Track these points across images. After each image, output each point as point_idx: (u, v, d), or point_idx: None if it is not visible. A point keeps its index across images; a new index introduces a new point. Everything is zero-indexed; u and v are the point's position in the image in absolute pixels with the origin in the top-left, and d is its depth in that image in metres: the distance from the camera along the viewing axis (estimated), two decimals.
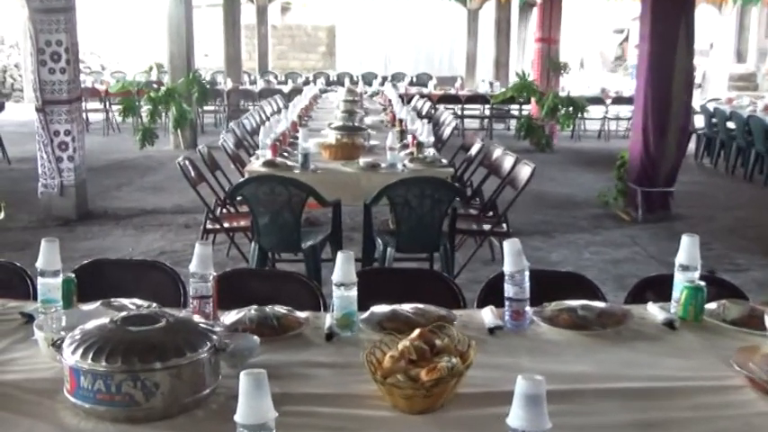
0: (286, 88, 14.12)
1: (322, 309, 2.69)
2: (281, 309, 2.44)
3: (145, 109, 12.14)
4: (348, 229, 6.69)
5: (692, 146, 9.99)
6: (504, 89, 13.43)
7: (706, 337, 2.35)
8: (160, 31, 11.98)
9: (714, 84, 18.48)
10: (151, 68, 14.77)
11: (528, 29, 17.50)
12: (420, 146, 5.60)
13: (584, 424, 1.83)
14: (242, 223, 5.29)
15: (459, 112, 13.51)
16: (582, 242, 6.67)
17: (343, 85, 14.07)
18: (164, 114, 12.21)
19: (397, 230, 4.63)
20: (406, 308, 2.44)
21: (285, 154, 5.56)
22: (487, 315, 2.47)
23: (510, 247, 2.40)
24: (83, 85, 14.12)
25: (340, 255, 2.33)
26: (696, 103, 9.65)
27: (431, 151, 5.68)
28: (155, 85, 12.54)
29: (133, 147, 11.38)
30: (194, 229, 6.76)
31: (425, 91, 13.88)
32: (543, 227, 7.18)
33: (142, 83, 13.17)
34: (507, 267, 2.39)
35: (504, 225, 5.26)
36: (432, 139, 5.89)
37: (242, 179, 4.80)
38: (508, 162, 5.59)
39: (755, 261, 6.11)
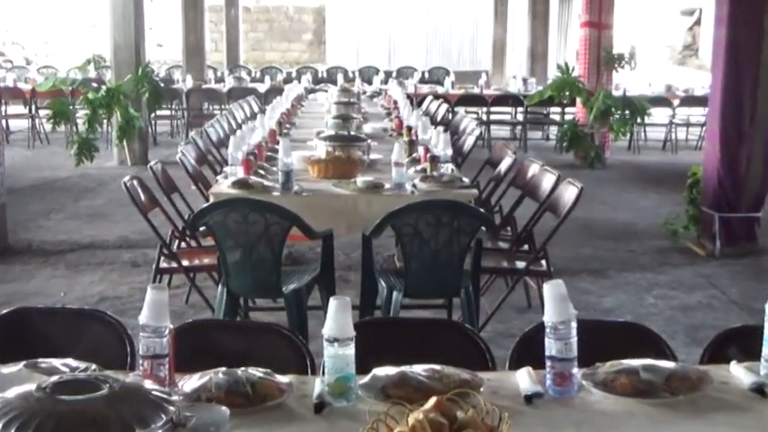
0: (262, 87, 14.23)
1: (309, 371, 2.69)
2: (256, 371, 2.43)
3: (81, 114, 12.22)
4: (343, 268, 6.69)
5: None
6: (541, 87, 13.50)
7: None
8: (101, 16, 12.12)
9: None
10: (89, 62, 14.90)
11: (571, 11, 17.63)
12: (434, 161, 5.62)
13: None
14: (206, 261, 5.29)
15: (485, 118, 13.58)
16: (644, 283, 6.67)
17: (335, 83, 14.15)
18: (105, 121, 12.27)
19: (405, 269, 4.63)
20: (418, 370, 2.44)
21: (261, 172, 5.58)
22: (523, 379, 2.47)
23: (552, 290, 2.39)
24: (1, 84, 14.33)
25: (333, 301, 2.33)
26: None
27: (448, 167, 5.70)
28: (94, 84, 12.64)
29: (66, 162, 11.44)
30: (144, 269, 6.76)
31: (441, 90, 13.98)
32: (593, 264, 7.18)
33: (78, 81, 13.29)
34: (548, 317, 2.38)
35: (544, 262, 5.26)
36: (449, 151, 5.91)
37: (206, 204, 4.81)
38: (548, 181, 5.60)
39: None
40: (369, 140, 6.36)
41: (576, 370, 2.40)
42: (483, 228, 4.61)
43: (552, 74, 14.19)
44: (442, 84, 14.86)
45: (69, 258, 7.24)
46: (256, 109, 10.96)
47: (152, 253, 6.20)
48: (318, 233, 4.69)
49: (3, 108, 13.79)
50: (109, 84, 11.85)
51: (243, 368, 2.43)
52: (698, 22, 26.90)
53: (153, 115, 13.65)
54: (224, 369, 2.42)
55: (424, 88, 14.20)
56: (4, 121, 13.44)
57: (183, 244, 5.61)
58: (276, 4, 25.12)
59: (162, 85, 12.73)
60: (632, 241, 7.95)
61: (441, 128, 6.76)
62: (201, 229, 4.86)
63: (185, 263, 5.28)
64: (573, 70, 12.10)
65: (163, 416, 1.90)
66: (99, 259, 7.23)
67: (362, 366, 2.40)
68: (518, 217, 5.98)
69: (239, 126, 8.34)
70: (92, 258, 7.26)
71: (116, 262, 7.14)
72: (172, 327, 2.39)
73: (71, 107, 12.47)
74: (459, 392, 2.12)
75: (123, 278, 6.69)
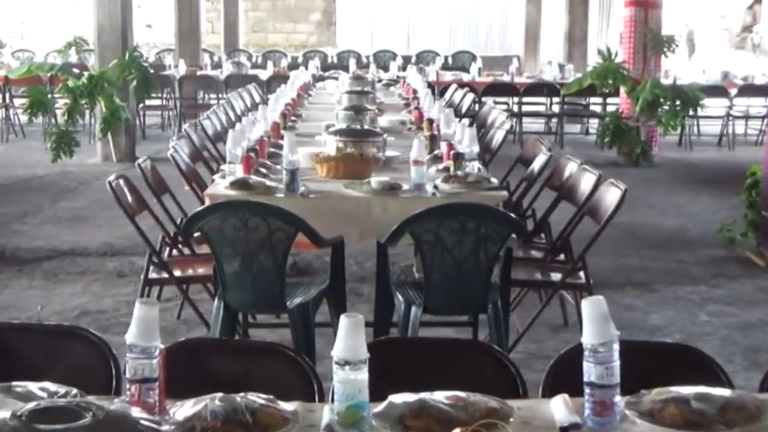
0: (264, 74, 14.27)
1: (317, 398, 2.70)
2: (257, 398, 2.44)
3: (61, 104, 12.26)
4: (355, 280, 6.70)
5: None
6: (580, 75, 13.49)
7: None
8: None
9: None
10: (69, 46, 14.92)
11: None
12: (459, 158, 5.62)
13: None
14: (200, 271, 5.31)
15: (516, 109, 13.57)
16: (696, 298, 6.65)
17: (346, 69, 14.18)
18: (88, 112, 12.32)
19: (425, 282, 4.63)
20: (440, 397, 2.44)
21: (263, 170, 5.59)
22: (559, 408, 2.47)
23: (591, 308, 2.39)
24: None
25: (343, 319, 2.34)
26: None
27: (474, 166, 5.70)
28: (75, 70, 12.68)
29: (44, 159, 11.49)
30: (131, 279, 6.79)
31: (466, 78, 13.98)
32: (639, 276, 7.17)
33: (57, 66, 13.32)
34: (587, 338, 2.38)
35: (582, 274, 5.26)
36: (476, 148, 5.91)
37: (201, 207, 4.82)
38: (587, 182, 5.59)
39: None
40: (384, 135, 6.36)
41: (618, 398, 2.40)
42: (513, 235, 4.60)
43: (592, 60, 14.17)
44: (467, 71, 14.86)
45: (47, 267, 7.27)
46: (258, 99, 10.98)
47: (140, 261, 6.22)
48: (327, 240, 4.70)
49: None
50: (92, 70, 11.90)
51: (242, 394, 2.44)
52: (758, 0, 26.78)
53: (141, 105, 13.71)
54: (221, 395, 2.43)
55: (448, 76, 14.20)
56: None
57: (175, 252, 5.62)
58: None
59: (151, 71, 12.74)
60: (683, 250, 7.92)
61: (466, 121, 6.75)
62: (196, 235, 4.87)
63: (177, 273, 5.30)
64: (616, 55, 12.08)
65: None
66: (80, 268, 7.26)
67: (377, 393, 2.40)
68: (553, 222, 5.97)
69: (238, 118, 8.35)
70: (72, 267, 7.29)
71: (99, 272, 7.16)
72: (162, 346, 2.40)
73: (49, 96, 12.52)
74: (485, 423, 2.12)
75: (107, 290, 6.71)
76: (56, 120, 12.71)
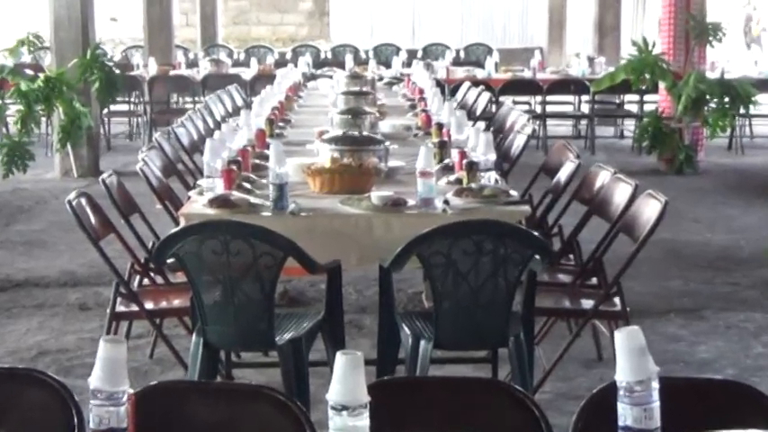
0: (247, 73, 14.30)
1: None
2: None
3: (12, 111, 12.28)
4: (354, 311, 6.71)
5: None
6: (612, 69, 13.50)
7: None
8: None
9: None
10: (22, 44, 14.99)
11: None
12: (473, 168, 5.63)
13: None
14: (175, 303, 5.31)
15: (539, 110, 13.59)
16: (750, 327, 6.65)
17: (342, 66, 14.22)
18: (44, 120, 12.34)
19: (436, 312, 4.63)
20: None
21: (247, 185, 5.60)
22: None
23: (626, 340, 2.40)
24: None
25: (341, 357, 2.34)
26: None
27: (491, 177, 5.70)
28: (28, 72, 12.73)
29: None
30: (96, 313, 6.79)
31: (481, 75, 14.00)
32: (683, 301, 7.17)
33: (7, 68, 13.35)
34: (622, 374, 2.39)
35: (618, 300, 5.26)
36: (493, 156, 5.92)
37: (175, 229, 4.83)
38: (622, 193, 5.60)
39: None
40: (387, 143, 6.37)
41: None
42: (537, 256, 4.61)
43: (626, 51, 14.18)
44: (482, 66, 14.89)
45: None
46: (240, 102, 11.00)
47: (106, 292, 6.24)
48: (322, 265, 4.70)
49: None
50: (48, 71, 11.92)
51: None
52: None
53: (106, 111, 13.75)
54: None
55: (459, 72, 14.23)
56: None
57: (146, 281, 5.62)
58: None
59: (117, 71, 12.79)
60: (734, 271, 7.92)
61: (481, 125, 6.79)
62: (170, 261, 4.87)
63: (149, 305, 5.30)
64: (654, 46, 12.10)
65: None
66: (37, 301, 7.27)
67: None
68: (583, 241, 5.97)
69: (218, 125, 8.36)
70: (27, 300, 7.30)
71: (59, 304, 7.17)
72: (132, 391, 2.41)
73: None
74: None
75: (68, 325, 6.72)
76: (7, 129, 12.75)
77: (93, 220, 5.25)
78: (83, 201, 5.24)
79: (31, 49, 15.00)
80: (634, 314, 5.22)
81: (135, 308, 5.25)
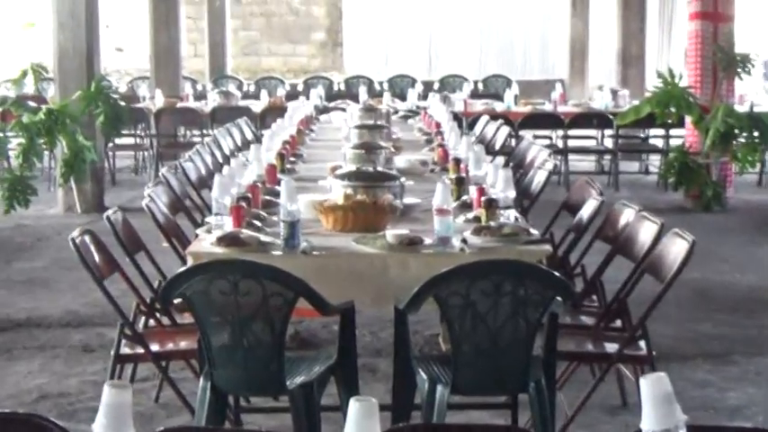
0: (257, 106, 14.36)
1: None
2: None
3: (14, 144, 12.32)
4: (368, 354, 6.69)
5: None
6: (636, 102, 13.52)
7: None
8: (41, 12, 12.29)
9: None
10: (25, 74, 15.06)
11: None
12: (492, 206, 5.63)
13: None
14: (182, 345, 5.30)
15: (560, 144, 13.60)
16: None
17: (356, 99, 14.26)
18: (46, 154, 12.39)
19: (453, 355, 4.62)
20: None
21: (257, 223, 5.61)
22: None
23: (651, 386, 2.39)
24: None
25: (354, 403, 2.34)
26: None
27: (511, 215, 5.71)
28: (31, 104, 12.79)
29: None
30: (99, 355, 6.80)
31: (500, 107, 14.03)
32: (712, 345, 7.14)
33: (9, 100, 13.43)
34: (647, 423, 2.38)
35: (643, 344, 5.24)
36: (512, 193, 5.92)
37: (182, 268, 4.84)
38: (647, 232, 5.59)
39: None
40: (402, 179, 6.38)
41: None
42: (559, 298, 4.60)
43: (651, 83, 14.20)
44: (501, 98, 14.92)
45: None
46: (250, 136, 11.04)
47: (110, 333, 6.23)
48: (335, 306, 4.70)
49: None
50: (51, 103, 11.99)
51: None
52: None
53: (110, 145, 13.80)
54: None
55: (478, 105, 14.27)
56: None
57: (152, 322, 5.62)
58: None
59: (123, 103, 12.85)
60: (765, 313, 7.90)
61: (500, 160, 6.78)
62: (177, 301, 4.88)
63: (155, 347, 5.29)
64: (680, 78, 12.11)
65: None
66: (38, 342, 7.28)
67: None
68: (607, 282, 5.96)
69: (227, 160, 8.39)
70: (28, 340, 7.30)
71: (61, 346, 7.17)
72: None
73: (0, 134, 12.59)
74: None
75: (71, 368, 6.72)
76: (8, 163, 12.78)
77: (97, 258, 5.26)
78: (86, 238, 5.25)
79: (35, 80, 15.07)
80: (660, 358, 5.21)
81: (140, 350, 5.25)
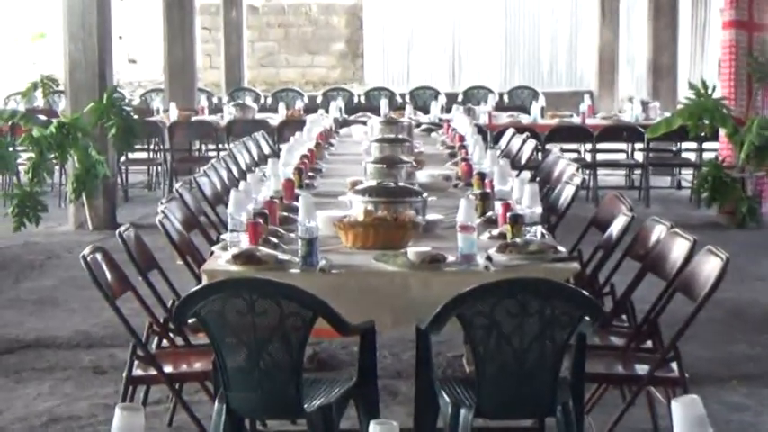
0: (275, 119, 14.38)
1: None
2: None
3: (24, 159, 12.39)
4: (389, 376, 6.69)
5: None
6: (668, 114, 13.50)
7: None
8: (51, 22, 12.34)
9: None
10: (35, 87, 15.16)
11: (710, 6, 17.64)
12: (518, 222, 5.63)
13: None
14: (196, 366, 5.32)
15: (589, 158, 13.59)
16: None
17: (377, 112, 14.27)
18: (57, 169, 12.44)
19: (477, 377, 4.62)
20: None
21: (274, 240, 5.62)
22: None
23: (683, 410, 2.39)
24: None
25: (375, 426, 2.35)
26: None
27: (537, 232, 5.70)
28: (41, 117, 12.85)
29: (2, 227, 11.58)
30: (111, 377, 6.81)
31: (526, 120, 14.04)
32: (748, 367, 7.12)
33: (19, 113, 13.51)
34: None
35: (675, 365, 5.23)
36: (539, 209, 5.90)
37: (197, 286, 4.85)
38: (679, 249, 5.58)
39: None
40: (424, 194, 6.38)
41: None
42: (587, 318, 4.60)
43: (684, 95, 14.18)
44: (527, 111, 14.92)
45: (7, 362, 7.31)
46: (267, 150, 11.06)
47: (121, 354, 6.25)
48: (354, 326, 4.70)
49: None
50: (62, 116, 12.02)
51: None
52: None
53: (123, 160, 13.84)
54: None
55: (503, 118, 14.26)
56: None
57: (166, 342, 5.64)
58: (294, 1, 25.41)
59: (136, 117, 12.88)
60: None
61: (526, 175, 6.78)
62: (191, 321, 4.89)
63: (168, 369, 5.30)
64: (713, 89, 12.08)
65: None
66: (48, 363, 7.29)
67: None
68: (637, 301, 5.95)
69: (243, 175, 8.41)
70: (38, 362, 7.32)
71: (72, 367, 7.19)
72: None
73: (10, 149, 12.65)
74: None
75: (82, 390, 6.73)
76: (18, 179, 12.85)
77: (108, 276, 5.28)
78: (98, 256, 5.27)
79: (45, 92, 15.16)
80: (693, 381, 5.19)
81: (153, 371, 5.26)
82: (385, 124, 10.59)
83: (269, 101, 17.62)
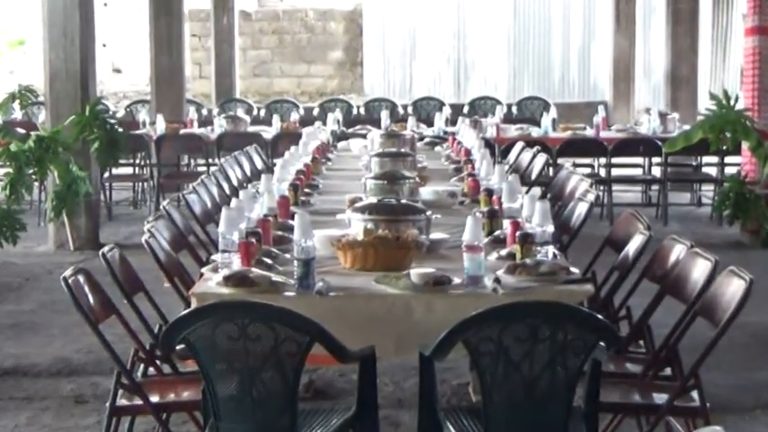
0: (269, 132, 14.38)
1: None
2: None
3: (1, 174, 12.38)
4: (390, 405, 6.68)
5: None
6: (687, 127, 13.51)
7: None
8: (30, 29, 12.35)
9: None
10: (12, 98, 15.16)
11: (732, 12, 17.65)
12: (528, 241, 5.63)
13: None
14: (185, 395, 5.31)
15: (603, 174, 13.58)
16: None
17: (377, 124, 14.28)
18: (36, 185, 12.42)
19: (484, 407, 4.61)
20: None
21: (268, 261, 5.63)
22: None
23: None
24: None
25: None
26: None
27: (549, 252, 5.70)
28: (20, 130, 12.85)
29: None
30: (94, 407, 6.81)
31: (536, 133, 14.04)
32: None
33: None
34: None
35: (696, 394, 5.22)
36: (550, 228, 5.91)
37: (186, 310, 4.85)
38: (700, 270, 5.57)
39: None
40: (428, 212, 6.39)
41: None
42: (602, 343, 4.60)
43: (704, 106, 14.19)
44: (537, 123, 14.92)
45: None
46: (260, 165, 11.07)
47: (105, 383, 6.25)
48: (354, 353, 4.70)
49: None
50: (42, 129, 12.02)
51: None
52: None
53: (107, 175, 13.84)
54: None
55: (512, 131, 14.27)
56: None
57: (152, 370, 5.64)
58: (290, 6, 25.47)
59: (120, 130, 12.86)
60: None
61: (537, 191, 6.78)
62: (179, 347, 4.89)
63: (155, 398, 5.30)
64: (736, 100, 12.09)
65: None
66: (26, 392, 7.28)
67: None
68: (655, 325, 5.94)
69: (235, 192, 8.41)
70: (16, 390, 7.31)
71: (52, 396, 7.18)
72: None
73: None
74: None
75: (62, 421, 6.72)
76: None
77: (91, 299, 5.27)
78: (80, 278, 5.26)
79: (24, 104, 15.15)
80: (715, 410, 5.19)
81: (138, 401, 5.25)
82: (386, 137, 10.62)
83: (262, 113, 17.64)
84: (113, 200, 14.59)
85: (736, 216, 12.04)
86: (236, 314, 4.54)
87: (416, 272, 5.23)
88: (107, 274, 5.57)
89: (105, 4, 22.73)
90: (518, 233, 5.71)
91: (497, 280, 5.18)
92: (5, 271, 10.94)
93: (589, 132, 14.30)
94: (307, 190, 8.21)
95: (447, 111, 15.89)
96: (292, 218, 5.95)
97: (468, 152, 10.06)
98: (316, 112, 17.32)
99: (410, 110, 17.43)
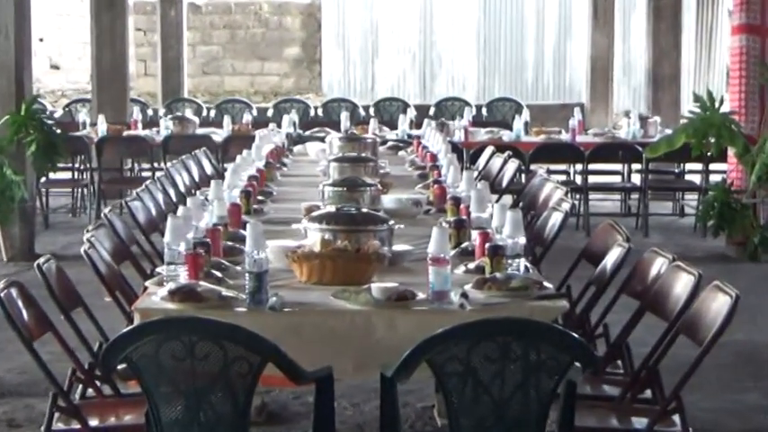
0: (219, 134, 14.36)
1: None
2: None
3: None
4: (349, 430, 6.67)
5: None
6: (669, 131, 13.57)
7: None
8: None
9: None
10: None
11: (718, 9, 17.75)
12: (498, 254, 5.64)
13: None
14: (127, 419, 5.29)
15: (580, 181, 13.63)
16: None
17: (336, 127, 14.28)
18: None
19: (451, 431, 4.62)
20: None
21: (217, 273, 5.62)
22: None
23: None
24: None
25: None
26: None
27: (520, 265, 5.71)
28: None
29: None
30: (27, 431, 6.76)
31: (508, 137, 14.06)
32: (760, 420, 7.15)
33: None
34: None
35: (677, 418, 5.24)
36: (522, 240, 5.92)
37: (128, 327, 4.83)
38: (682, 285, 5.60)
39: None
40: (391, 222, 6.40)
41: None
42: (577, 363, 4.61)
43: (687, 108, 14.26)
44: (509, 126, 14.95)
45: None
46: (209, 170, 11.05)
47: (40, 405, 6.21)
48: (310, 373, 4.69)
49: None
50: None
51: None
52: None
53: (44, 180, 13.77)
54: None
55: (481, 134, 14.30)
56: None
57: (91, 391, 5.61)
58: None
59: (59, 131, 12.85)
60: None
61: (508, 199, 6.79)
62: (121, 367, 4.88)
63: (94, 422, 5.27)
64: (721, 103, 12.13)
65: None
66: None
67: None
68: (634, 344, 5.97)
69: (182, 199, 8.39)
70: None
71: None
72: None
73: None
74: None
75: None
76: None
77: (25, 315, 5.25)
78: (13, 291, 5.23)
79: None
80: None
81: (76, 425, 5.23)
82: (346, 141, 10.64)
83: (212, 113, 17.63)
84: (50, 207, 14.52)
85: (722, 227, 12.08)
86: (182, 331, 4.52)
87: (378, 286, 5.23)
88: (43, 288, 5.54)
89: None
90: (487, 245, 5.72)
91: (465, 295, 5.19)
92: None
93: (564, 137, 14.33)
94: (260, 197, 8.21)
95: (412, 112, 15.92)
96: (244, 227, 5.95)
97: (434, 157, 10.08)
98: (270, 113, 17.34)
99: (372, 111, 17.47)
